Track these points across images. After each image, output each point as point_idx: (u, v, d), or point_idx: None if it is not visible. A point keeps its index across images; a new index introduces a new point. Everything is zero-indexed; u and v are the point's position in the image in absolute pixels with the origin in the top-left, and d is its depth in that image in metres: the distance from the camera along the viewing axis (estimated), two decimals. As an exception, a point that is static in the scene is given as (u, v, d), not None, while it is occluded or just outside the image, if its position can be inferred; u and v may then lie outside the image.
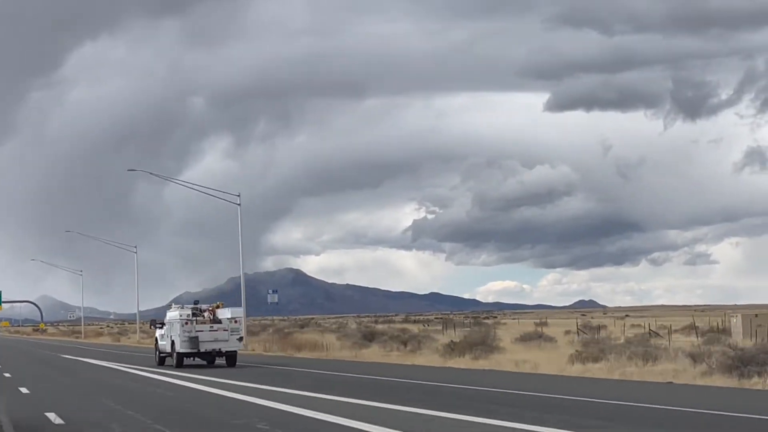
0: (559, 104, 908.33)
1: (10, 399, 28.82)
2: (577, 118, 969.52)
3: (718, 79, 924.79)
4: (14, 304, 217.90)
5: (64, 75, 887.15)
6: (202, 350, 47.05)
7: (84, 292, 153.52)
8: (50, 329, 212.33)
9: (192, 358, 47.79)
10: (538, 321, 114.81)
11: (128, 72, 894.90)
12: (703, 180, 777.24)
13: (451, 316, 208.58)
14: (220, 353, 47.63)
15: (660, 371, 35.20)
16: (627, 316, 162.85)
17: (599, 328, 75.59)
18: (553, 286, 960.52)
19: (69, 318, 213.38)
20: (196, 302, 50.55)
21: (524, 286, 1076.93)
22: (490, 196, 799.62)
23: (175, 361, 47.31)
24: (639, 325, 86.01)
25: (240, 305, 51.37)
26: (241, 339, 48.98)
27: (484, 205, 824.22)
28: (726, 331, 60.63)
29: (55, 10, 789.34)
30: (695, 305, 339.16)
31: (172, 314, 48.80)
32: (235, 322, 48.23)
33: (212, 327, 47.29)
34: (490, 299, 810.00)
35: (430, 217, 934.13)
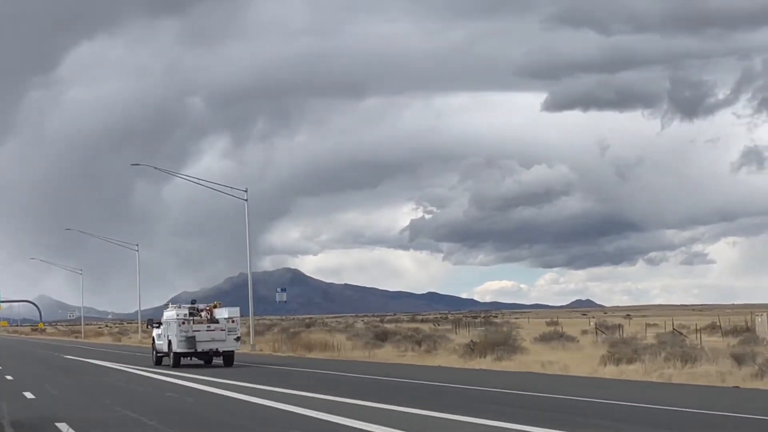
0: (557, 104, 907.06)
1: (15, 406, 26.14)
2: (574, 117, 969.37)
3: (716, 79, 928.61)
4: (12, 304, 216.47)
5: (62, 75, 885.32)
6: (199, 350, 46.67)
7: (83, 292, 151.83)
8: (49, 329, 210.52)
9: (189, 358, 47.33)
10: (548, 320, 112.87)
11: (127, 72, 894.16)
12: (700, 180, 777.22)
13: (449, 315, 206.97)
14: (217, 353, 47.23)
15: (702, 373, 33.40)
16: (628, 315, 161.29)
17: (620, 327, 73.44)
18: (551, 285, 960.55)
19: (69, 317, 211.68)
20: (193, 302, 50.22)
21: (522, 285, 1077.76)
22: (487, 195, 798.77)
23: (171, 360, 46.94)
24: (656, 325, 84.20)
25: (237, 305, 50.42)
26: (238, 339, 48.18)
27: (482, 205, 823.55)
28: (750, 331, 58.89)
29: (54, 9, 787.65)
30: (692, 305, 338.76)
31: (169, 314, 48.41)
32: (233, 321, 47.72)
33: (209, 327, 46.93)
34: (488, 299, 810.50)
35: (427, 217, 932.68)
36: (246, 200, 70.28)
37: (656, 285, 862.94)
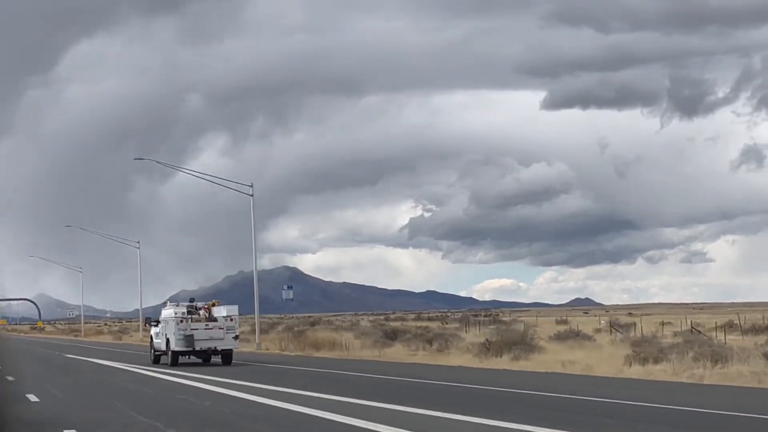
0: (556, 102, 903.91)
1: (18, 410, 24.38)
2: (573, 115, 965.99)
3: (715, 77, 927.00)
4: (10, 303, 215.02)
5: (60, 73, 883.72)
6: (197, 348, 46.50)
7: (83, 290, 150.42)
8: (48, 327, 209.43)
9: (187, 357, 47.12)
10: (557, 319, 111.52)
11: (125, 69, 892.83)
12: (699, 178, 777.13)
13: (449, 314, 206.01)
14: (215, 352, 46.99)
15: (735, 374, 32.09)
16: (630, 313, 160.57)
17: (634, 326, 72.04)
18: (550, 284, 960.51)
19: (69, 316, 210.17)
20: (191, 300, 50.00)
21: (521, 284, 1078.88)
22: (486, 193, 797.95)
23: (170, 359, 46.84)
24: (670, 323, 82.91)
25: (236, 303, 49.38)
26: (236, 338, 47.58)
27: (481, 203, 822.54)
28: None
29: (52, 7, 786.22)
30: (692, 303, 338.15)
31: (167, 312, 48.35)
32: (231, 320, 47.18)
33: (207, 325, 46.77)
34: (487, 297, 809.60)
35: (426, 215, 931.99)
36: (252, 195, 69.08)
37: (655, 283, 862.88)
